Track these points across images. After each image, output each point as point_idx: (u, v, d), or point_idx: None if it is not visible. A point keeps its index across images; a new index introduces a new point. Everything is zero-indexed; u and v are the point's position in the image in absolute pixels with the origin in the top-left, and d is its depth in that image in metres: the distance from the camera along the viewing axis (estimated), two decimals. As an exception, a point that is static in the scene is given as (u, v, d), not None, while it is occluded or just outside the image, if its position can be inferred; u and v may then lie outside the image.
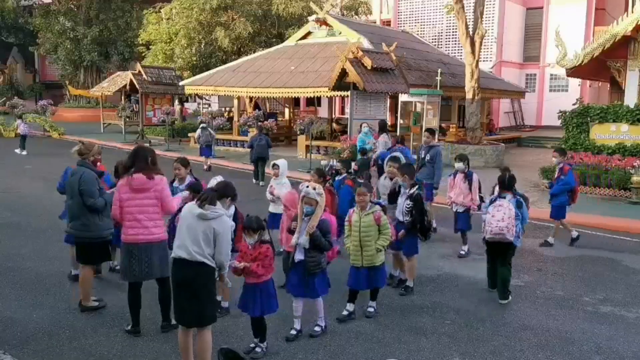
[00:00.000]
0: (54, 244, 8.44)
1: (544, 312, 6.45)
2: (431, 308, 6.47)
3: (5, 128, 25.66)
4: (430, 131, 10.33)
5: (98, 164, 6.43)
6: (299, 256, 5.39)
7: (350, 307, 6.05)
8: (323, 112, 30.30)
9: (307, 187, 5.37)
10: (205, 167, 16.36)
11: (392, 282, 7.09)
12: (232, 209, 5.41)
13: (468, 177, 8.41)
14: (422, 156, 9.86)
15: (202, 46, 26.66)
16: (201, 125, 17.50)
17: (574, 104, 15.41)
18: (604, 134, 14.35)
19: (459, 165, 8.49)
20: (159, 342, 5.43)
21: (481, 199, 8.26)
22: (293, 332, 5.53)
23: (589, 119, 14.47)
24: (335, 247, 5.80)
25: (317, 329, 5.58)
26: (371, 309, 6.18)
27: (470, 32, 18.62)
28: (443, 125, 22.31)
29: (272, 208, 7.89)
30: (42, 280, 7.12)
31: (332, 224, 5.67)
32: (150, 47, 29.84)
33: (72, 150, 6.26)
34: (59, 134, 25.85)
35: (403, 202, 6.74)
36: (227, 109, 29.46)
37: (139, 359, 5.16)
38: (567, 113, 14.94)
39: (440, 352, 5.36)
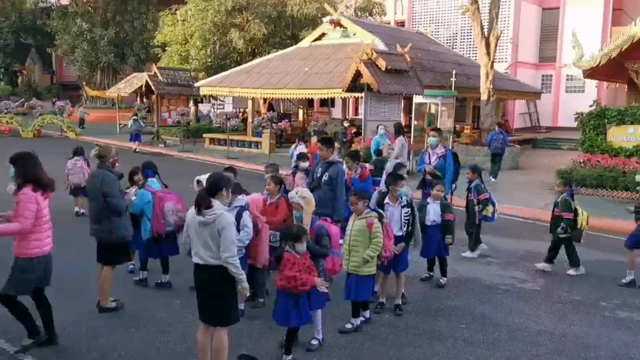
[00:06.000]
0: (72, 245, 8.54)
1: (560, 316, 6.42)
2: (446, 312, 6.46)
3: (23, 129, 26.05)
4: (326, 142, 7.50)
5: (116, 165, 6.55)
6: None
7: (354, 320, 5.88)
8: (337, 113, 30.33)
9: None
10: (134, 150, 20.89)
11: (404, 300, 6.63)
12: (243, 199, 5.38)
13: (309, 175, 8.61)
14: (319, 175, 7.42)
15: (217, 48, 26.79)
16: (133, 117, 21.82)
17: (590, 106, 15.23)
18: (621, 136, 14.18)
19: (303, 165, 8.97)
20: (176, 343, 5.50)
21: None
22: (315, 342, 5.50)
23: (606, 120, 14.30)
24: (337, 260, 5.58)
25: (314, 342, 5.42)
26: (349, 326, 5.81)
27: (486, 33, 18.52)
28: (457, 126, 22.19)
29: None
30: (61, 281, 7.19)
31: (332, 234, 5.52)
32: (166, 48, 30.09)
33: (91, 153, 6.41)
34: (76, 135, 26.18)
35: (399, 213, 6.30)
36: (242, 109, 29.60)
37: (156, 359, 5.22)
38: (584, 115, 14.78)
39: (456, 357, 5.36)
